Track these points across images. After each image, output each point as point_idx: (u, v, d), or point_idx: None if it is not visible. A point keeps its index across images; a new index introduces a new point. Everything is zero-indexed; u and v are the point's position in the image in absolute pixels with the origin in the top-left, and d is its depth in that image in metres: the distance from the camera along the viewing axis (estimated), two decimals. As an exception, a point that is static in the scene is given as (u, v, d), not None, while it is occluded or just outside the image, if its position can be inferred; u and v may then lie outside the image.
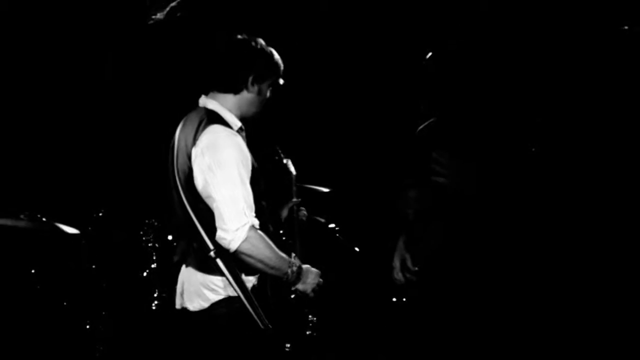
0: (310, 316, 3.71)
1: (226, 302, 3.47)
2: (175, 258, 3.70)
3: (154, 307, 5.48)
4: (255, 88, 3.60)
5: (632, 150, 5.52)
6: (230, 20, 6.76)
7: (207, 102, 3.60)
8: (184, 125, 3.56)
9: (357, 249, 5.84)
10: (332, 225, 5.71)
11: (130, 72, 6.62)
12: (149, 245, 5.59)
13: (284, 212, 4.42)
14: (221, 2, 6.86)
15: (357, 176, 6.68)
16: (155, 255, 5.59)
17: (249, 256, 3.38)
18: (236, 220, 3.34)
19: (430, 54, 4.54)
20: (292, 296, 3.59)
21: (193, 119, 3.54)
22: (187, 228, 3.49)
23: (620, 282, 5.43)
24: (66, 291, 5.51)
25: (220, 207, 3.36)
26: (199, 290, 3.51)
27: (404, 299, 5.53)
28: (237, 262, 3.42)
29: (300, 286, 3.55)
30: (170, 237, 5.61)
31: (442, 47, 4.94)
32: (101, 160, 6.46)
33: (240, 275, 3.45)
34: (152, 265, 5.58)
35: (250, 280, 3.49)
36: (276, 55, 3.67)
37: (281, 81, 3.71)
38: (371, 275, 5.92)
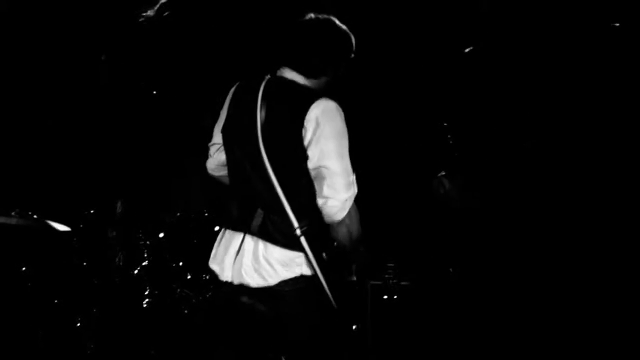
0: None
1: (297, 281, 3.43)
2: (228, 226, 3.60)
3: (145, 305, 5.47)
4: (331, 74, 3.58)
5: (630, 150, 5.55)
6: (220, 16, 6.76)
7: (296, 76, 3.55)
8: (273, 96, 3.48)
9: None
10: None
11: (122, 70, 6.61)
12: (141, 242, 5.58)
13: None
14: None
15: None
16: (147, 252, 5.58)
17: (347, 225, 3.43)
18: (347, 190, 3.39)
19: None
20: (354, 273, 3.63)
21: (286, 91, 3.49)
22: (264, 199, 3.44)
23: (620, 282, 5.45)
24: (57, 288, 5.49)
25: (334, 177, 3.38)
26: (272, 265, 3.43)
27: (395, 297, 5.55)
28: (319, 236, 3.43)
29: (361, 247, 3.63)
30: (161, 235, 5.61)
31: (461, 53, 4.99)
32: (92, 157, 6.45)
33: (321, 253, 3.45)
34: (144, 263, 5.58)
35: (325, 259, 3.48)
36: (352, 38, 3.65)
37: (353, 56, 3.68)
38: (363, 273, 5.93)
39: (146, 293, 5.50)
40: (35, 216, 5.18)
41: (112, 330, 5.44)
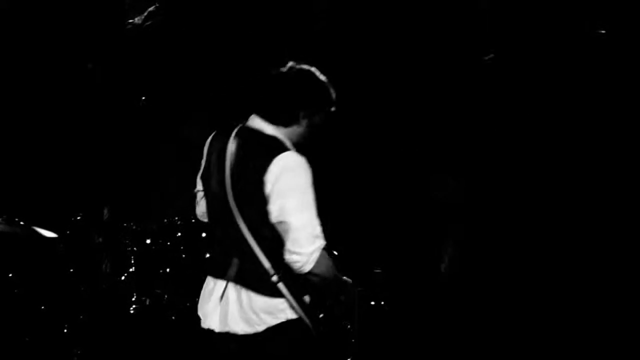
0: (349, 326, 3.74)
1: (284, 326, 3.45)
2: (215, 273, 3.61)
3: (132, 311, 5.46)
4: (305, 122, 3.52)
5: (629, 150, 5.57)
6: (208, 23, 6.77)
7: (264, 126, 3.52)
8: (241, 147, 3.48)
9: (335, 252, 5.85)
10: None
11: (110, 77, 6.61)
12: (127, 249, 5.58)
13: None
14: (199, 6, 6.87)
15: (336, 179, 6.70)
16: (134, 259, 5.58)
17: (317, 276, 3.42)
18: (312, 244, 3.37)
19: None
20: (337, 311, 3.61)
21: (253, 142, 3.48)
22: (239, 249, 3.47)
23: (620, 282, 5.48)
24: (44, 295, 5.48)
25: (296, 231, 3.36)
26: (256, 313, 3.46)
27: (382, 302, 5.55)
28: (297, 281, 3.44)
29: (342, 297, 3.62)
30: (148, 241, 5.61)
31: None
32: (79, 163, 6.44)
33: (301, 296, 3.47)
34: (131, 270, 5.57)
35: (307, 300, 3.51)
36: (329, 88, 3.58)
37: (333, 109, 3.61)
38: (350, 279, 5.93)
39: (133, 299, 5.49)
40: (22, 223, 5.17)
41: (99, 337, 5.43)
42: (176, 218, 5.69)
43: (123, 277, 5.56)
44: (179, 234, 5.66)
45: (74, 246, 5.64)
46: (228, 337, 3.50)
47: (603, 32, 5.81)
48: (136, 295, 5.49)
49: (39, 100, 6.46)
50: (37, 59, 6.43)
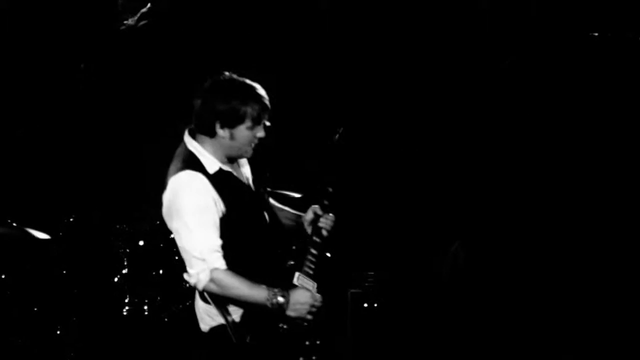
0: (307, 342, 3.66)
1: (223, 328, 3.53)
2: None
3: (125, 313, 5.46)
4: (227, 133, 3.47)
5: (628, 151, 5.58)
6: (200, 24, 6.76)
7: (189, 141, 3.57)
8: (172, 164, 3.60)
9: (328, 254, 5.85)
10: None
11: (102, 78, 6.60)
12: (120, 250, 5.57)
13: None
14: (191, 7, 6.86)
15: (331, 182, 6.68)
16: (127, 260, 5.57)
17: (218, 294, 3.47)
18: (197, 265, 3.42)
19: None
20: (284, 326, 3.53)
21: (177, 159, 3.57)
22: None
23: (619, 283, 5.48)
24: (36, 297, 5.47)
25: (183, 252, 3.48)
26: (201, 314, 3.63)
27: (375, 305, 5.56)
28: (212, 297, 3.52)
29: (291, 313, 3.49)
30: (141, 243, 5.60)
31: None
32: (71, 165, 6.43)
33: (226, 307, 3.53)
34: (123, 271, 5.56)
35: (236, 311, 3.54)
36: (254, 95, 3.48)
37: (267, 123, 3.54)
38: (343, 281, 5.93)
39: (126, 301, 5.48)
40: (14, 224, 5.16)
41: (92, 338, 5.42)
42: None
43: (116, 279, 5.55)
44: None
45: (66, 248, 5.63)
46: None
47: (603, 32, 5.81)
48: (129, 297, 5.49)
49: (31, 101, 6.45)
50: (30, 60, 6.42)
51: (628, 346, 5.38)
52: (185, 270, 3.51)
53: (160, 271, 5.59)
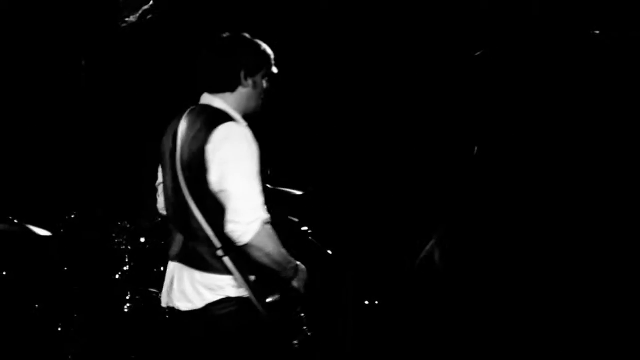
0: (302, 314, 3.72)
1: (225, 303, 3.46)
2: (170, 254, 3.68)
3: (126, 310, 5.46)
4: (250, 82, 3.58)
5: (627, 152, 5.58)
6: (202, 21, 6.76)
7: (213, 100, 3.58)
8: (189, 124, 3.52)
9: (329, 251, 5.87)
10: (304, 228, 5.72)
11: (103, 75, 6.61)
12: (122, 247, 5.57)
13: None
14: (193, 4, 6.87)
15: (331, 179, 6.70)
16: (128, 257, 5.57)
17: (259, 250, 3.38)
18: (251, 213, 3.34)
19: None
20: (287, 293, 3.57)
21: (199, 117, 3.51)
22: (187, 226, 3.50)
23: (619, 283, 5.48)
24: (38, 293, 5.47)
25: (235, 200, 3.35)
26: (196, 289, 3.49)
27: (376, 302, 5.56)
28: (244, 257, 3.42)
29: (295, 283, 3.56)
30: (143, 240, 5.60)
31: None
32: (73, 161, 6.44)
33: (247, 273, 3.46)
34: (125, 268, 5.56)
35: (252, 279, 3.49)
36: (263, 45, 3.66)
37: (275, 70, 3.70)
38: (343, 279, 5.94)
39: (127, 298, 5.48)
40: (15, 221, 5.16)
41: (93, 336, 5.42)
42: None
43: (117, 276, 5.56)
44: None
45: (67, 245, 5.63)
46: (174, 314, 3.60)
47: (604, 32, 5.81)
48: (130, 294, 5.48)
49: (33, 98, 6.46)
50: (31, 58, 6.43)
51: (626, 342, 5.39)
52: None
53: (162, 268, 5.59)
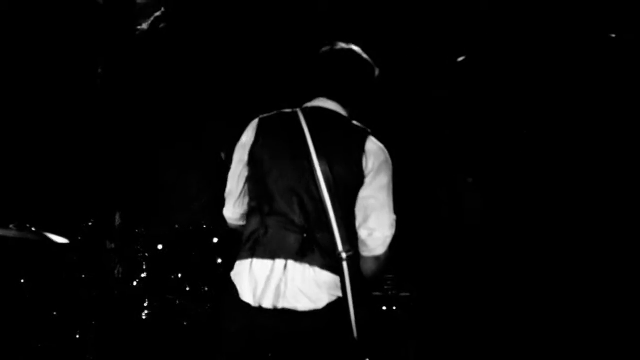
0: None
1: (338, 303, 3.42)
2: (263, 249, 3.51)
3: (144, 317, 5.46)
4: (361, 103, 3.67)
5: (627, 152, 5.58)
6: (212, 27, 6.78)
7: (336, 107, 3.61)
8: (320, 126, 3.52)
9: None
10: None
11: (119, 82, 6.62)
12: (139, 255, 5.58)
13: None
14: (204, 11, 6.88)
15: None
16: (145, 265, 5.58)
17: (382, 264, 3.49)
18: (391, 228, 3.45)
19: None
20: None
21: (331, 121, 3.55)
22: (314, 228, 3.44)
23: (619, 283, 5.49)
24: (56, 301, 5.48)
25: (383, 210, 3.44)
26: (320, 288, 3.41)
27: (394, 308, 5.56)
28: (358, 267, 3.46)
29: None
30: (160, 247, 5.61)
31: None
32: (91, 169, 6.45)
33: (358, 281, 3.45)
34: (142, 275, 5.57)
35: (359, 289, 3.48)
36: (374, 67, 3.74)
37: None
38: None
39: (145, 305, 5.49)
40: (33, 229, 5.17)
41: (111, 343, 5.42)
42: (187, 223, 5.71)
43: (135, 283, 5.56)
44: (191, 239, 5.67)
45: (85, 252, 5.63)
46: (282, 314, 3.41)
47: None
48: (148, 301, 5.49)
49: (51, 106, 6.47)
50: (50, 66, 6.44)
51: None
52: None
53: (179, 275, 5.59)
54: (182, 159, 6.56)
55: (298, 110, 3.58)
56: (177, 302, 5.50)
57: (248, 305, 3.44)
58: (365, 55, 3.68)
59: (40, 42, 6.42)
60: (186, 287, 5.58)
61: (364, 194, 3.44)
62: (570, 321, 5.68)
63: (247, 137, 3.61)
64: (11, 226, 5.14)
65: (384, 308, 5.50)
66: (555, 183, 6.02)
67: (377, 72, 3.71)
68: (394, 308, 5.50)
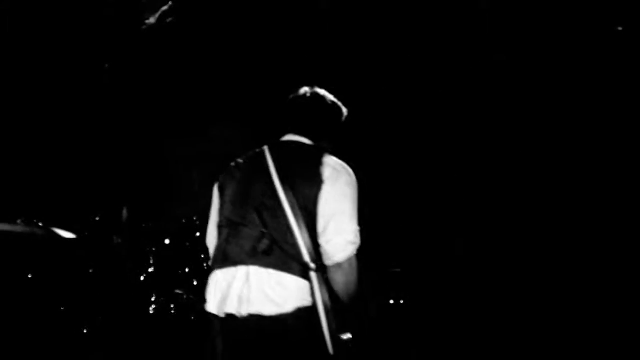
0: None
1: (308, 310, 3.45)
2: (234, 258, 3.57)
3: (151, 312, 5.47)
4: (329, 138, 3.81)
5: (628, 150, 5.57)
6: (219, 23, 6.78)
7: (302, 139, 3.74)
8: (285, 154, 3.66)
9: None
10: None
11: (126, 78, 6.62)
12: (147, 249, 5.59)
13: None
14: (211, 5, 6.88)
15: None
16: (153, 259, 5.59)
17: (344, 272, 3.50)
18: (354, 236, 3.50)
19: None
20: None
21: (299, 149, 3.69)
22: (277, 234, 3.50)
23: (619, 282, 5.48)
24: (63, 296, 5.49)
25: (344, 218, 3.50)
26: (288, 291, 3.46)
27: (401, 301, 5.56)
28: (326, 280, 3.50)
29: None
30: (167, 242, 5.62)
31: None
32: (97, 165, 6.46)
33: (327, 296, 3.48)
34: (150, 270, 5.58)
35: (329, 305, 3.50)
36: (342, 107, 3.91)
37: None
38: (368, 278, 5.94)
39: (152, 299, 5.50)
40: (40, 224, 5.19)
41: (118, 337, 5.44)
42: (194, 218, 5.71)
43: (142, 278, 5.58)
44: (198, 234, 5.68)
45: (92, 247, 5.65)
46: (248, 320, 3.44)
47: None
48: (155, 296, 5.50)
49: (58, 102, 6.48)
50: (58, 61, 6.45)
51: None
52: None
53: (187, 269, 5.60)
54: (189, 154, 6.57)
55: (263, 148, 3.72)
56: (185, 296, 5.52)
57: (215, 315, 3.55)
58: (330, 97, 3.83)
59: (48, 38, 6.43)
60: (193, 281, 5.59)
61: (324, 201, 3.50)
62: (570, 321, 5.68)
63: (221, 177, 3.79)
64: (19, 221, 5.16)
65: (386, 313, 5.51)
66: (555, 183, 6.02)
67: (344, 112, 3.87)
68: (396, 312, 5.51)
